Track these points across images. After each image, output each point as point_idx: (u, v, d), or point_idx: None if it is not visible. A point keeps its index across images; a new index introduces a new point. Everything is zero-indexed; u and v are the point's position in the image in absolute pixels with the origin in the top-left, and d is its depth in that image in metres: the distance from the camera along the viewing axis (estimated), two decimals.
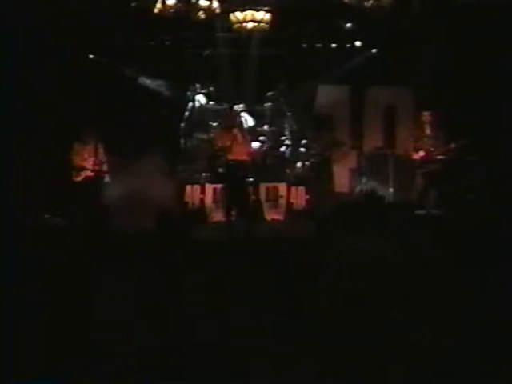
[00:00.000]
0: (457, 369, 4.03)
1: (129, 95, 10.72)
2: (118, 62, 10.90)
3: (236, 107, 9.24)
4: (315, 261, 6.28)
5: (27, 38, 9.25)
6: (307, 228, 8.71)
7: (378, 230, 7.35)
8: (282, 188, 10.57)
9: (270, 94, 11.30)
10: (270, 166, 10.76)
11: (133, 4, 9.87)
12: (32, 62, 9.48)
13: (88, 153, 9.59)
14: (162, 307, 5.03)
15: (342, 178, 11.70)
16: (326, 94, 11.88)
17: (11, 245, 6.41)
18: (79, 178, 9.54)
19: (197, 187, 10.41)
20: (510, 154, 9.86)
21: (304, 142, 11.36)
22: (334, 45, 11.54)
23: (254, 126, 10.58)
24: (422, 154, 9.90)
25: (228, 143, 8.84)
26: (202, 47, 11.29)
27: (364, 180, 11.47)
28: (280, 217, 10.44)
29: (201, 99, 11.21)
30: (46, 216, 9.60)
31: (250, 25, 10.10)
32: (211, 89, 11.25)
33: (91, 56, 10.90)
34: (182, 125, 11.12)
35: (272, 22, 10.18)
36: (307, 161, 11.20)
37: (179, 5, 9.42)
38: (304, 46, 11.52)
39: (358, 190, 11.55)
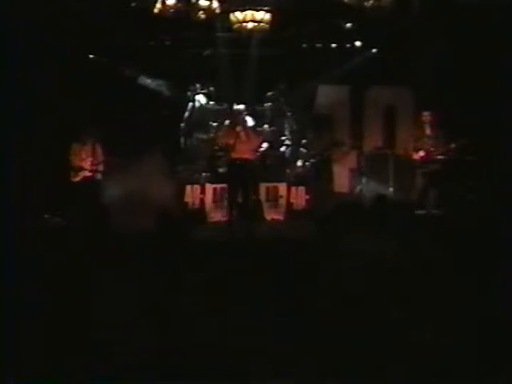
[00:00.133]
0: (457, 369, 4.03)
1: (129, 95, 10.71)
2: (118, 62, 10.89)
3: (236, 107, 9.22)
4: (315, 261, 6.28)
5: (27, 38, 9.26)
6: (307, 228, 8.70)
7: (378, 230, 7.34)
8: (282, 188, 10.57)
9: (269, 94, 11.30)
10: (270, 165, 10.76)
11: (133, 4, 9.86)
12: (32, 62, 9.48)
13: (88, 153, 9.61)
14: (162, 307, 5.03)
15: (342, 178, 11.70)
16: (326, 94, 11.87)
17: (11, 245, 6.41)
18: (79, 178, 9.56)
19: (197, 187, 10.41)
20: (510, 153, 9.86)
21: (304, 141, 11.36)
22: (333, 45, 11.54)
23: (253, 126, 10.57)
24: (421, 153, 9.90)
25: (232, 142, 8.85)
26: (202, 47, 11.29)
27: (364, 180, 11.47)
28: (280, 217, 10.44)
29: (201, 99, 11.21)
30: (46, 216, 9.61)
31: (250, 25, 10.09)
32: (211, 89, 11.24)
33: (91, 56, 10.90)
34: (182, 125, 11.12)
35: (272, 22, 10.18)
36: (307, 161, 11.21)
37: (179, 5, 9.41)
38: (304, 46, 11.52)
39: (357, 189, 11.55)
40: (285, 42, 11.12)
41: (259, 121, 10.95)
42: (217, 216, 10.14)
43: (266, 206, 10.37)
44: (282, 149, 11.17)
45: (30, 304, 4.97)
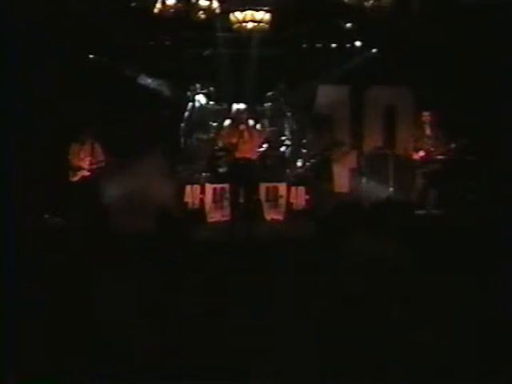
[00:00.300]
0: (457, 369, 4.03)
1: (129, 95, 10.71)
2: (118, 62, 10.88)
3: (238, 106, 9.22)
4: (315, 261, 6.28)
5: (27, 38, 9.25)
6: (307, 228, 8.70)
7: (378, 230, 7.35)
8: (282, 188, 10.57)
9: (269, 94, 11.30)
10: (270, 166, 10.76)
11: (133, 4, 9.86)
12: (32, 62, 9.48)
13: (88, 153, 9.61)
14: (162, 307, 5.03)
15: (342, 178, 11.69)
16: (326, 94, 11.87)
17: (11, 245, 6.42)
18: (79, 178, 9.56)
19: (197, 187, 10.40)
20: (510, 153, 9.86)
21: (304, 141, 11.37)
22: (333, 45, 11.53)
23: (254, 126, 10.57)
24: (421, 153, 9.91)
25: (235, 141, 8.85)
26: (202, 47, 11.28)
27: (364, 180, 11.47)
28: (280, 217, 10.44)
29: (201, 99, 11.21)
30: (46, 216, 9.61)
31: (250, 25, 10.08)
32: (211, 89, 11.24)
33: (91, 56, 10.90)
34: (182, 125, 11.12)
35: (272, 22, 10.18)
36: (307, 161, 11.21)
37: (179, 5, 9.41)
38: (304, 46, 11.52)
39: (357, 189, 11.55)
40: (285, 42, 11.11)
41: (259, 121, 10.94)
42: (216, 216, 10.14)
43: (265, 206, 10.36)
44: (282, 149, 11.17)
45: (30, 304, 4.97)
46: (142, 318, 4.80)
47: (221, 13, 9.79)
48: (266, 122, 11.01)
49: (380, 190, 11.11)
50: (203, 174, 10.74)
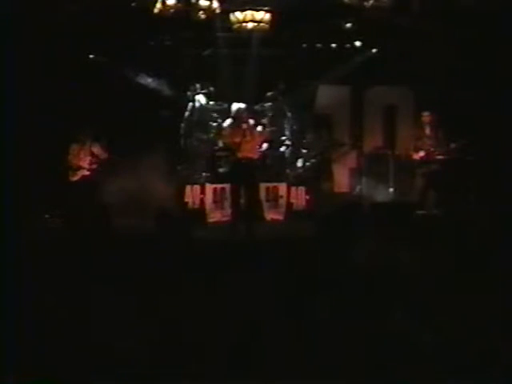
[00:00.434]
0: (457, 369, 4.03)
1: (129, 95, 10.71)
2: (118, 62, 10.89)
3: (238, 105, 9.23)
4: (315, 261, 6.28)
5: (27, 38, 9.25)
6: (307, 228, 8.70)
7: (378, 230, 7.35)
8: (282, 188, 10.58)
9: (269, 93, 11.29)
10: (270, 166, 10.76)
11: (133, 4, 9.86)
12: (32, 62, 9.48)
13: (87, 153, 9.63)
14: (162, 307, 5.03)
15: (342, 178, 11.71)
16: (326, 94, 11.88)
17: (11, 245, 6.42)
18: (79, 178, 9.57)
19: (197, 187, 10.40)
20: (510, 153, 9.86)
21: (304, 141, 11.37)
22: (333, 45, 11.53)
23: (255, 126, 10.57)
24: (421, 154, 9.91)
25: (237, 140, 8.84)
26: (201, 47, 11.28)
27: (364, 180, 11.48)
28: (280, 217, 10.45)
29: (201, 99, 11.21)
30: (46, 216, 9.62)
31: (250, 25, 10.09)
32: (211, 89, 11.24)
33: (91, 56, 10.90)
34: (182, 125, 11.12)
35: (272, 22, 10.18)
36: (307, 161, 11.21)
37: (179, 5, 9.40)
38: (304, 46, 11.52)
39: (357, 190, 11.56)
40: (285, 42, 11.12)
41: (259, 121, 10.94)
42: (217, 216, 10.14)
43: (266, 206, 10.37)
44: (282, 149, 11.17)
45: (30, 304, 4.97)
46: (142, 318, 4.80)
47: (221, 13, 9.79)
48: (266, 121, 11.01)
49: (380, 190, 11.13)
50: (203, 173, 10.75)
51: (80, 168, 9.57)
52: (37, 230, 8.25)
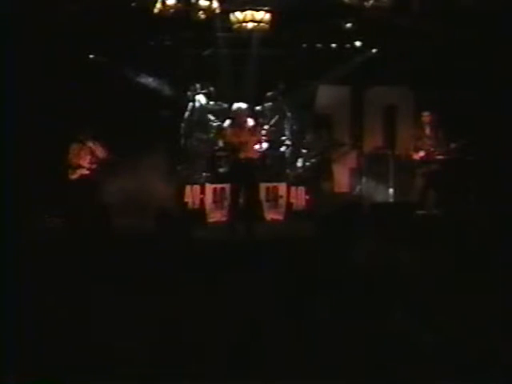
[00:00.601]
0: (457, 369, 4.03)
1: (129, 95, 10.71)
2: (118, 62, 10.89)
3: (238, 105, 9.24)
4: (315, 261, 6.28)
5: (27, 38, 9.25)
6: (307, 228, 8.70)
7: (378, 230, 7.35)
8: (282, 188, 10.58)
9: (269, 93, 11.29)
10: (270, 166, 10.76)
11: (133, 4, 9.86)
12: (32, 62, 9.48)
13: (87, 153, 9.63)
14: (161, 307, 5.03)
15: (342, 178, 11.71)
16: (326, 94, 11.88)
17: (11, 244, 6.42)
18: (79, 179, 9.58)
19: (197, 187, 10.40)
20: (510, 153, 9.87)
21: (304, 141, 11.37)
22: (333, 45, 11.53)
23: (255, 126, 10.57)
24: (421, 153, 9.92)
25: (236, 140, 8.84)
26: (202, 47, 11.28)
27: (364, 180, 11.48)
28: (280, 217, 10.45)
29: (201, 99, 11.21)
30: (46, 216, 9.61)
31: (250, 25, 10.09)
32: (211, 89, 11.23)
33: (91, 56, 10.90)
34: (182, 125, 11.11)
35: (272, 22, 10.18)
36: (307, 161, 11.21)
37: (179, 5, 9.40)
38: (304, 46, 11.52)
39: (357, 190, 11.57)
40: (285, 42, 11.13)
41: (259, 121, 10.94)
42: (217, 216, 10.14)
43: (265, 206, 10.37)
44: (282, 149, 11.17)
45: (30, 304, 4.97)
46: (142, 318, 4.80)
47: (221, 13, 9.79)
48: (266, 121, 11.01)
49: (380, 190, 11.13)
50: (203, 173, 10.75)
51: (80, 168, 9.58)
52: (37, 230, 8.25)
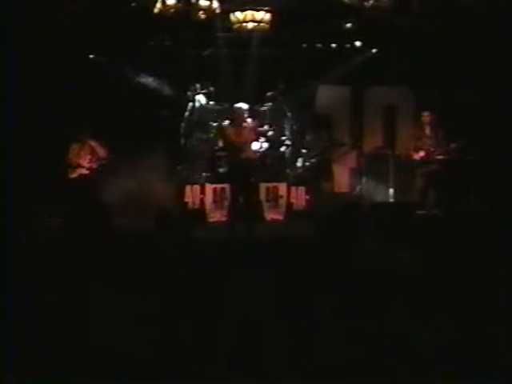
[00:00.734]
0: (457, 369, 4.03)
1: (129, 95, 10.71)
2: (118, 62, 10.89)
3: (238, 105, 9.24)
4: (314, 261, 6.28)
5: (27, 38, 9.25)
6: (307, 228, 8.71)
7: (378, 230, 7.36)
8: (282, 188, 10.58)
9: (269, 94, 11.29)
10: (270, 166, 10.76)
11: (133, 4, 9.86)
12: (32, 62, 9.48)
13: (87, 153, 9.63)
14: (161, 307, 5.03)
15: (342, 178, 11.71)
16: (326, 94, 11.88)
17: (11, 244, 6.42)
18: (79, 178, 9.58)
19: (197, 187, 10.40)
20: (510, 153, 9.87)
21: (304, 141, 11.37)
22: (333, 45, 11.53)
23: (255, 126, 10.57)
24: (421, 153, 9.92)
25: (236, 140, 8.84)
26: (201, 47, 11.28)
27: (364, 180, 11.48)
28: (280, 217, 10.45)
29: (201, 99, 11.21)
30: (46, 216, 9.61)
31: (250, 25, 10.09)
32: (211, 89, 11.23)
33: (91, 56, 10.90)
34: (182, 125, 11.11)
35: (272, 22, 10.18)
36: (307, 161, 11.21)
37: (179, 5, 9.40)
38: (304, 46, 11.52)
39: (357, 190, 11.57)
40: (285, 42, 11.12)
41: (259, 121, 10.94)
42: (217, 216, 10.14)
43: (265, 206, 10.38)
44: (282, 149, 11.16)
45: (30, 304, 4.97)
46: (142, 318, 4.80)
47: (221, 13, 9.79)
48: (266, 121, 11.01)
49: (380, 190, 11.13)
50: (203, 173, 10.75)
51: (80, 168, 9.58)
52: (37, 230, 8.25)
